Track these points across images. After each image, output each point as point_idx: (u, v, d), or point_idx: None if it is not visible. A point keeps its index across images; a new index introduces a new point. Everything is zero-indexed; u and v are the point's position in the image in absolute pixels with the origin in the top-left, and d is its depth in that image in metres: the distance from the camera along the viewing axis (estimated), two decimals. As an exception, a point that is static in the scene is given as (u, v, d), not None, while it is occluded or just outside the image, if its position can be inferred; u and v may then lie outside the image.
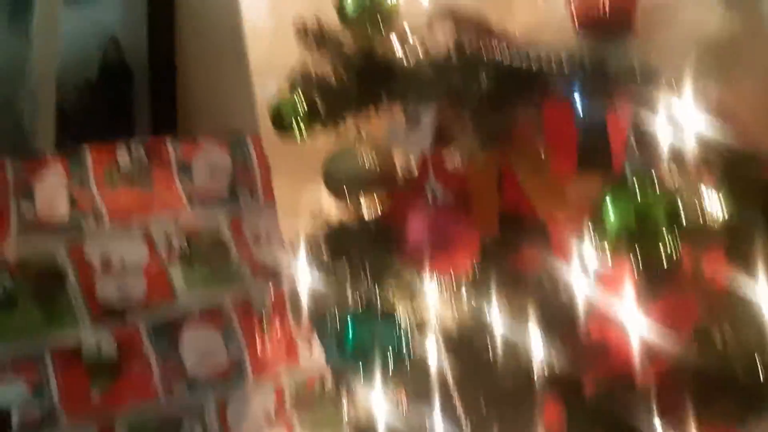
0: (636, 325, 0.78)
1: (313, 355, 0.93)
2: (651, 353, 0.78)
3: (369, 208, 1.02)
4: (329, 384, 0.94)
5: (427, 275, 0.81)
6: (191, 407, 0.82)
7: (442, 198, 0.78)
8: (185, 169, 0.91)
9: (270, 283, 0.91)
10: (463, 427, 0.87)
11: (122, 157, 0.86)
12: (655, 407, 0.75)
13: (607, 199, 0.68)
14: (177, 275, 0.85)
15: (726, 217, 0.71)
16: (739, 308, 0.78)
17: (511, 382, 0.85)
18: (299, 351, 0.92)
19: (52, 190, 0.80)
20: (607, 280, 0.86)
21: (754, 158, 0.70)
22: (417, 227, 0.77)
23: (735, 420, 0.76)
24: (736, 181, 0.71)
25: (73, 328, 0.79)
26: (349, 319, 0.82)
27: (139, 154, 0.87)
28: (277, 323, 0.91)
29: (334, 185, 1.07)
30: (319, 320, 0.96)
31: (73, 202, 0.81)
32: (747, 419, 0.76)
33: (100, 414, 0.79)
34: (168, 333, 0.82)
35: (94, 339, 0.80)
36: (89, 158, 0.84)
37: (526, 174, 0.76)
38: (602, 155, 0.81)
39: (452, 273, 0.80)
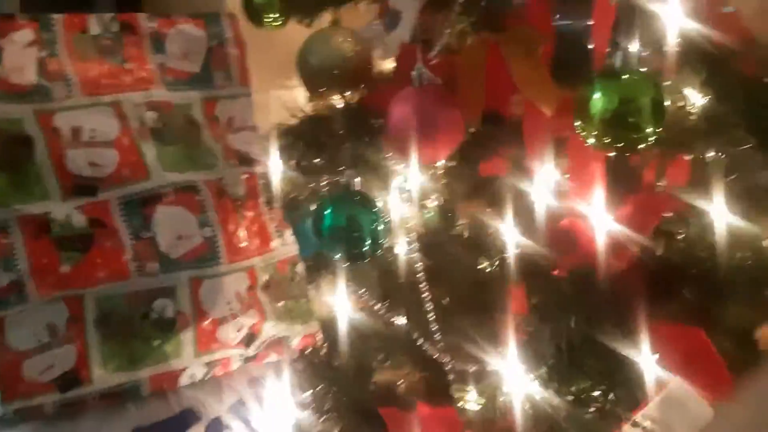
0: (603, 220, 0.81)
1: (285, 241, 0.93)
2: (617, 246, 0.81)
3: (343, 98, 1.01)
4: (300, 269, 0.95)
5: (406, 164, 0.81)
6: (164, 286, 0.81)
7: (427, 82, 0.77)
8: (158, 44, 0.87)
9: (243, 169, 0.90)
10: (430, 319, 0.90)
11: (94, 27, 0.82)
12: (619, 297, 0.79)
13: (596, 82, 0.69)
14: (150, 152, 0.82)
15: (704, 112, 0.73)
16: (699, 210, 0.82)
17: (481, 272, 0.88)
18: (271, 236, 0.92)
19: (21, 52, 0.76)
20: (577, 178, 0.88)
21: (735, 53, 0.72)
22: (400, 112, 0.77)
23: (691, 310, 0.81)
24: (716, 76, 0.73)
25: (42, 199, 0.77)
26: (325, 202, 0.82)
27: (112, 26, 0.83)
28: (250, 208, 0.90)
29: (308, 74, 1.05)
30: (292, 207, 0.96)
31: (42, 67, 0.77)
32: (702, 309, 0.81)
33: (69, 288, 0.78)
34: (141, 210, 0.80)
35: (63, 211, 0.77)
36: (60, 25, 0.79)
37: (515, 60, 0.76)
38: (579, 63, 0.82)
39: (434, 160, 0.81)
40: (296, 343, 0.95)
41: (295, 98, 1.05)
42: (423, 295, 0.89)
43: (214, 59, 0.91)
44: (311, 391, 0.91)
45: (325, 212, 0.80)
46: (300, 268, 0.95)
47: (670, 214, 0.85)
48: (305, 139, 0.93)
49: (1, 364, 0.76)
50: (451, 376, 0.87)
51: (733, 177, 0.79)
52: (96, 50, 0.82)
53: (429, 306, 0.89)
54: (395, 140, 0.78)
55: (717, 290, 0.78)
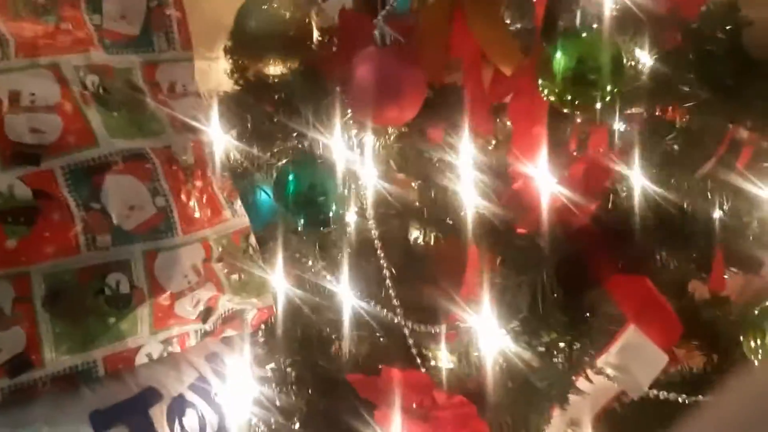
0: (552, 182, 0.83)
1: (236, 212, 0.90)
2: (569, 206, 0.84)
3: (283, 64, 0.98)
4: (252, 241, 0.92)
5: (369, 126, 0.80)
6: (117, 260, 0.77)
7: (389, 42, 0.76)
8: (95, 3, 0.81)
9: (190, 136, 0.86)
10: (388, 283, 0.90)
11: (25, -14, 0.76)
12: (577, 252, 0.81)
13: (558, 42, 0.71)
14: (95, 118, 0.77)
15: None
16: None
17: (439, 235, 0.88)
18: (222, 207, 0.88)
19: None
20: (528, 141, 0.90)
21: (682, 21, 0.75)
22: (363, 72, 0.76)
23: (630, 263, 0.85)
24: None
25: (-20, 169, 0.71)
26: (288, 168, 0.79)
27: (44, -15, 0.77)
28: (200, 178, 0.86)
29: (245, 39, 1.01)
30: (241, 177, 0.93)
31: (-28, 26, 0.71)
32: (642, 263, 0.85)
33: (15, 265, 0.72)
34: (89, 180, 0.75)
35: (4, 182, 0.71)
36: (-12, -17, 0.73)
37: (478, 21, 0.76)
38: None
39: (398, 122, 0.80)
40: (252, 317, 0.92)
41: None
42: (381, 263, 0.89)
43: (154, 21, 0.86)
44: (272, 364, 0.89)
45: (288, 178, 0.78)
46: (252, 240, 0.92)
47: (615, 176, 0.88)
48: (250, 106, 0.90)
49: (-58, 351, 0.70)
50: (411, 340, 0.87)
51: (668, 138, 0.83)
52: (29, 9, 0.76)
53: (387, 273, 0.89)
54: (357, 102, 0.77)
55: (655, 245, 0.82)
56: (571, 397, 0.81)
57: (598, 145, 0.91)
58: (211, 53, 1.07)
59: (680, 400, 0.81)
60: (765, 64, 0.71)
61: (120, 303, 0.77)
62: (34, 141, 0.73)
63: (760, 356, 0.73)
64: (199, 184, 0.86)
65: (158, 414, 0.78)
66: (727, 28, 0.70)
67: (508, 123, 0.93)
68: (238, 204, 0.91)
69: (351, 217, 0.92)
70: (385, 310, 0.89)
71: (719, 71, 0.71)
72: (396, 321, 0.88)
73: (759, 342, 0.73)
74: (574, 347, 0.78)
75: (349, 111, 0.79)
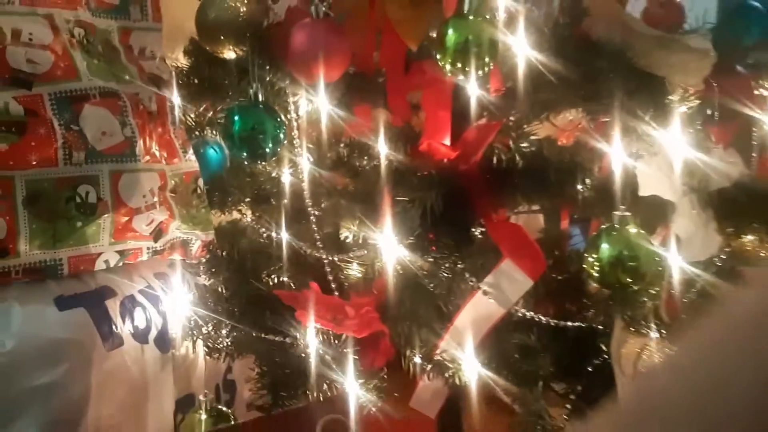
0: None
1: (188, 158, 1.07)
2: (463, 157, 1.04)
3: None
4: (201, 183, 1.09)
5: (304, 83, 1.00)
6: (88, 174, 0.93)
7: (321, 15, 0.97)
8: (85, -24, 1.00)
9: (154, 89, 1.04)
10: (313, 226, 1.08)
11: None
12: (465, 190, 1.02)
13: (449, 22, 0.93)
14: (79, 59, 0.94)
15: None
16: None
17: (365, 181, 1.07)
18: (177, 151, 1.06)
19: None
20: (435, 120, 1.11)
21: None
22: (299, 37, 0.96)
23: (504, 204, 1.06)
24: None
25: (-17, 87, 0.87)
26: (234, 110, 0.98)
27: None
28: (160, 124, 1.04)
29: (205, 28, 1.21)
30: (193, 131, 1.11)
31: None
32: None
33: (3, 167, 0.87)
34: (70, 106, 0.92)
35: (2, 100, 0.87)
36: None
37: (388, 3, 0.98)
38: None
39: (326, 79, 1.00)
40: (196, 247, 1.08)
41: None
42: (307, 206, 1.07)
43: (132, -5, 1.05)
44: (210, 284, 1.04)
45: (234, 118, 0.96)
46: (200, 182, 1.09)
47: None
48: (205, 70, 1.08)
49: (-65, 229, 0.84)
50: (329, 269, 1.05)
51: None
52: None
53: (312, 214, 1.07)
54: (294, 61, 0.97)
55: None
56: (459, 322, 1.00)
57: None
58: (172, 54, 1.26)
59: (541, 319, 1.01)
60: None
61: (87, 210, 0.93)
62: (29, 70, 0.90)
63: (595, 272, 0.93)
64: (159, 130, 1.04)
65: (112, 306, 0.93)
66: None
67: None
68: (191, 152, 1.09)
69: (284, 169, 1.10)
70: (308, 246, 1.07)
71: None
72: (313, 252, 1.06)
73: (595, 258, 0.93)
74: (458, 266, 0.97)
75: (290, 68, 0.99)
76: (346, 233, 1.05)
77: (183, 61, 1.22)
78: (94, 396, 0.86)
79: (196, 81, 1.11)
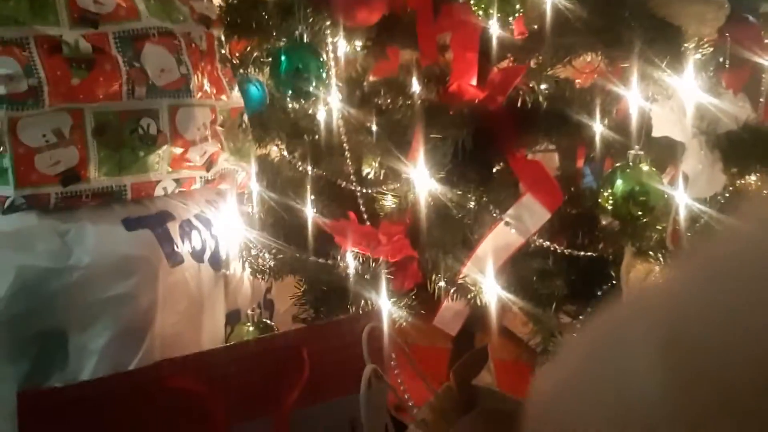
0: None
1: (234, 95, 1.16)
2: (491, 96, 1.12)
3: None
4: (245, 119, 1.18)
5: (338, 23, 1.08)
6: (149, 108, 1.01)
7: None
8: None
9: (204, 28, 1.12)
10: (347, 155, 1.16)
11: None
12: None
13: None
14: (139, 1, 1.02)
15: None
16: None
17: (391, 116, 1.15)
18: (224, 88, 1.14)
19: None
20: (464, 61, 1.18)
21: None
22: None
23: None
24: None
25: (55, 24, 0.95)
26: (281, 51, 1.06)
27: None
28: (209, 62, 1.12)
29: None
30: (240, 68, 1.19)
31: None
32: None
33: (74, 101, 0.96)
34: (133, 44, 1.00)
35: (72, 36, 0.95)
36: None
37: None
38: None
39: (368, 22, 1.07)
40: (241, 178, 1.18)
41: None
42: (342, 141, 1.16)
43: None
44: (257, 211, 1.14)
45: (281, 59, 1.05)
46: (245, 118, 1.18)
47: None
48: (248, 15, 1.16)
49: (17, 155, 0.93)
50: (362, 201, 1.14)
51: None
52: None
53: (347, 150, 1.16)
54: (337, 2, 1.04)
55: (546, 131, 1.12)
56: (481, 249, 1.10)
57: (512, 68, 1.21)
58: None
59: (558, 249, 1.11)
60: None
61: (149, 141, 1.02)
62: (95, 10, 0.97)
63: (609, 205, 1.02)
64: (209, 67, 1.12)
65: (172, 228, 1.03)
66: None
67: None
68: (236, 89, 1.17)
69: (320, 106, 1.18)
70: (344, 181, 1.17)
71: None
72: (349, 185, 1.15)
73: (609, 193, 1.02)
74: (483, 199, 1.07)
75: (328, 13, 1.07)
76: (375, 168, 1.14)
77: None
78: (160, 306, 0.97)
79: (240, 21, 1.19)
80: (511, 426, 0.85)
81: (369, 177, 1.16)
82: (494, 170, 1.11)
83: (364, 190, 1.15)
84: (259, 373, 0.87)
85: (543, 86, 1.13)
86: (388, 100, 1.11)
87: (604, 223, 1.18)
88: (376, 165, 1.15)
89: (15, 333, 0.90)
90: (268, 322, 1.11)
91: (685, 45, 1.00)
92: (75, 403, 0.76)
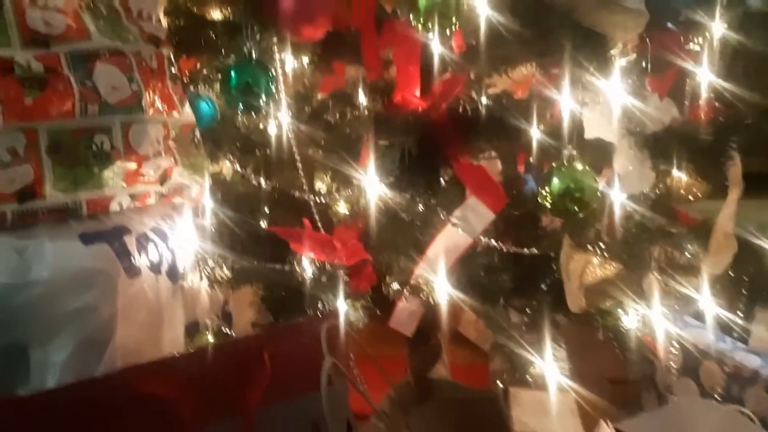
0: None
1: (185, 111, 1.19)
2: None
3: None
4: (197, 134, 1.21)
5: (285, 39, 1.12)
6: (102, 125, 1.04)
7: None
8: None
9: (153, 48, 1.14)
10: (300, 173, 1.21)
11: None
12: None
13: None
14: (89, 21, 1.04)
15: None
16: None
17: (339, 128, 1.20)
18: (176, 104, 1.17)
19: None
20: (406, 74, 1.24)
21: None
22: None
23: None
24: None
25: (7, 46, 0.97)
26: (232, 67, 1.10)
27: None
28: (160, 80, 1.15)
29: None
30: (189, 85, 1.22)
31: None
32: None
33: (28, 120, 0.98)
34: (84, 63, 1.02)
35: (24, 57, 0.97)
36: None
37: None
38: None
39: (312, 37, 1.12)
40: (195, 192, 1.21)
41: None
42: (293, 154, 1.20)
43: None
44: (210, 223, 1.17)
45: (231, 74, 1.08)
46: (197, 133, 1.21)
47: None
48: (199, 31, 1.19)
49: (-28, 176, 0.94)
50: (316, 210, 1.18)
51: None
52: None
53: (298, 162, 1.20)
54: (284, 20, 1.09)
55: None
56: (432, 250, 1.15)
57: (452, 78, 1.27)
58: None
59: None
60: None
61: (102, 157, 1.04)
62: (45, 31, 0.99)
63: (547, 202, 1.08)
64: (159, 85, 1.14)
65: (129, 241, 1.05)
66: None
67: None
68: (187, 106, 1.20)
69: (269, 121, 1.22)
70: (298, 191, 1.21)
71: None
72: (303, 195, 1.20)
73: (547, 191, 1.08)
74: (431, 202, 1.12)
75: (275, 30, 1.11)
76: (327, 180, 1.18)
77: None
78: (120, 318, 0.98)
79: (189, 40, 1.22)
80: (464, 411, 0.90)
81: (321, 187, 1.20)
82: (441, 175, 1.16)
83: (317, 200, 1.19)
84: (222, 375, 0.90)
85: (483, 96, 1.20)
86: (337, 114, 1.16)
87: (545, 223, 1.25)
88: (328, 177, 1.19)
89: (-25, 350, 0.91)
90: (228, 331, 1.14)
91: (611, 51, 1.08)
92: (44, 411, 0.77)
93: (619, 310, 1.03)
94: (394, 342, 1.20)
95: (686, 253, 1.09)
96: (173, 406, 0.84)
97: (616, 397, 1.24)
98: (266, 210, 1.16)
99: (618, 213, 1.08)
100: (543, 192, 1.07)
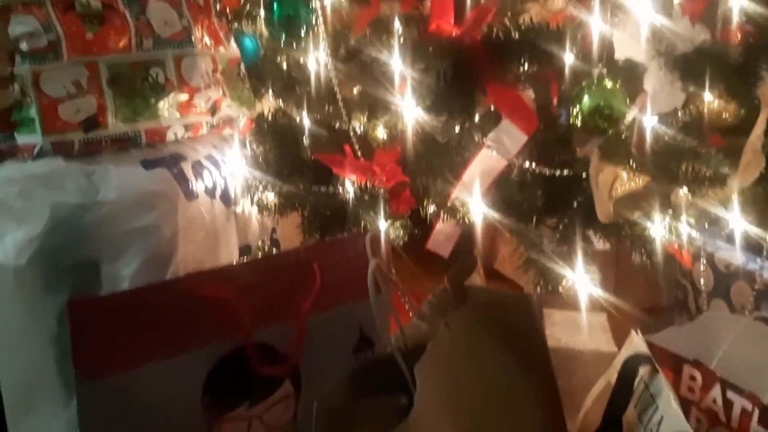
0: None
1: (231, 46, 1.25)
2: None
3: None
4: (242, 68, 1.27)
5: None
6: (156, 58, 1.11)
7: None
8: None
9: (201, -14, 1.21)
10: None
11: None
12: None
13: None
14: (141, -40, 1.11)
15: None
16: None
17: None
18: (222, 39, 1.23)
19: None
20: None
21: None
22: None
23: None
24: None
25: (68, -16, 1.04)
26: (274, 0, 1.16)
27: None
28: (207, 16, 1.21)
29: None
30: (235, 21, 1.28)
31: None
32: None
33: (89, 54, 1.05)
34: (138, 0, 1.10)
35: (83, -6, 1.05)
36: None
37: None
38: None
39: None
40: (243, 123, 1.28)
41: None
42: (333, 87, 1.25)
43: None
44: (258, 152, 1.24)
45: (274, 6, 1.14)
46: (242, 67, 1.28)
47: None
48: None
49: (42, 105, 1.03)
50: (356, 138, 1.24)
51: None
52: None
53: (338, 94, 1.25)
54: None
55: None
56: (468, 173, 1.20)
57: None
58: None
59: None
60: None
61: (158, 89, 1.11)
62: (102, -30, 1.07)
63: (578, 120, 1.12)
64: (206, 21, 1.21)
65: (186, 168, 1.13)
66: None
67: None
68: (232, 42, 1.27)
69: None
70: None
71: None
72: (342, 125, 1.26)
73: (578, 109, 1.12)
74: (466, 125, 1.17)
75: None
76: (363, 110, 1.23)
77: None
78: (181, 237, 1.07)
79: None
80: (498, 313, 0.97)
81: (360, 117, 1.26)
82: (476, 99, 1.21)
83: (357, 129, 1.25)
84: (276, 284, 0.98)
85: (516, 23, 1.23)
86: (374, 41, 1.21)
87: (577, 147, 1.29)
88: (366, 106, 1.24)
89: (53, 265, 1.00)
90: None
91: (640, -29, 1.10)
92: (120, 310, 0.86)
93: (647, 221, 1.07)
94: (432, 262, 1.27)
95: (714, 171, 1.12)
96: (232, 309, 0.93)
97: (651, 325, 1.29)
98: (308, 140, 1.22)
99: (648, 132, 1.11)
100: (574, 110, 1.12)
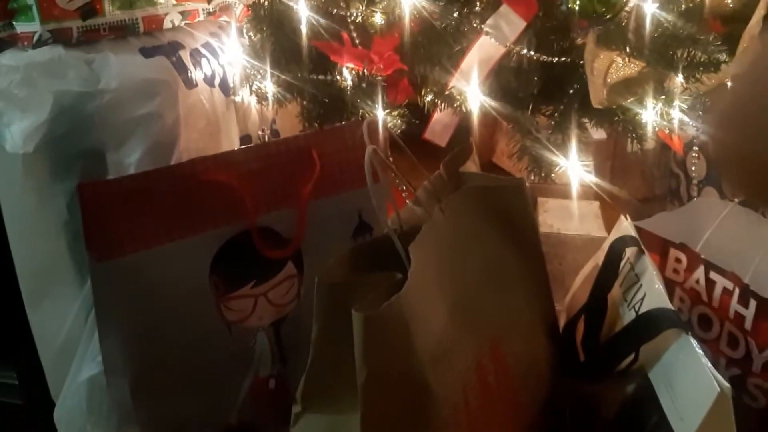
0: None
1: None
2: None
3: None
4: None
5: None
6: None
7: None
8: None
9: None
10: None
11: None
12: None
13: None
14: None
15: None
16: None
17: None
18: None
19: None
20: None
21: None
22: None
23: None
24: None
25: None
26: None
27: None
28: None
29: None
30: None
31: None
32: None
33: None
34: None
35: None
36: None
37: None
38: None
39: None
40: (239, 11, 1.27)
41: None
42: None
43: None
44: (255, 40, 1.24)
45: None
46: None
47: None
48: None
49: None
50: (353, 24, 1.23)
51: None
52: None
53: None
54: None
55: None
56: (466, 61, 1.20)
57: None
58: None
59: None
60: None
61: (162, -26, 1.10)
62: None
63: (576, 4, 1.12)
64: None
65: (184, 55, 1.14)
66: None
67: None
68: (225, -75, 1.24)
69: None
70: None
71: None
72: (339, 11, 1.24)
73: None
74: (464, 11, 1.17)
75: None
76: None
77: None
78: (182, 124, 1.09)
79: None
80: (491, 196, 1.00)
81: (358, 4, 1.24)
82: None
83: (354, 17, 1.24)
84: (277, 170, 1.02)
85: None
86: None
87: (575, 35, 1.28)
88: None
89: (60, 152, 1.03)
90: (278, 140, 1.24)
91: None
92: (129, 193, 0.90)
93: (640, 107, 1.09)
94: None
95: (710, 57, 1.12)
96: (236, 194, 0.97)
97: (643, 213, 1.32)
98: (306, 28, 1.21)
99: (648, 18, 1.11)
100: (572, -4, 1.11)
